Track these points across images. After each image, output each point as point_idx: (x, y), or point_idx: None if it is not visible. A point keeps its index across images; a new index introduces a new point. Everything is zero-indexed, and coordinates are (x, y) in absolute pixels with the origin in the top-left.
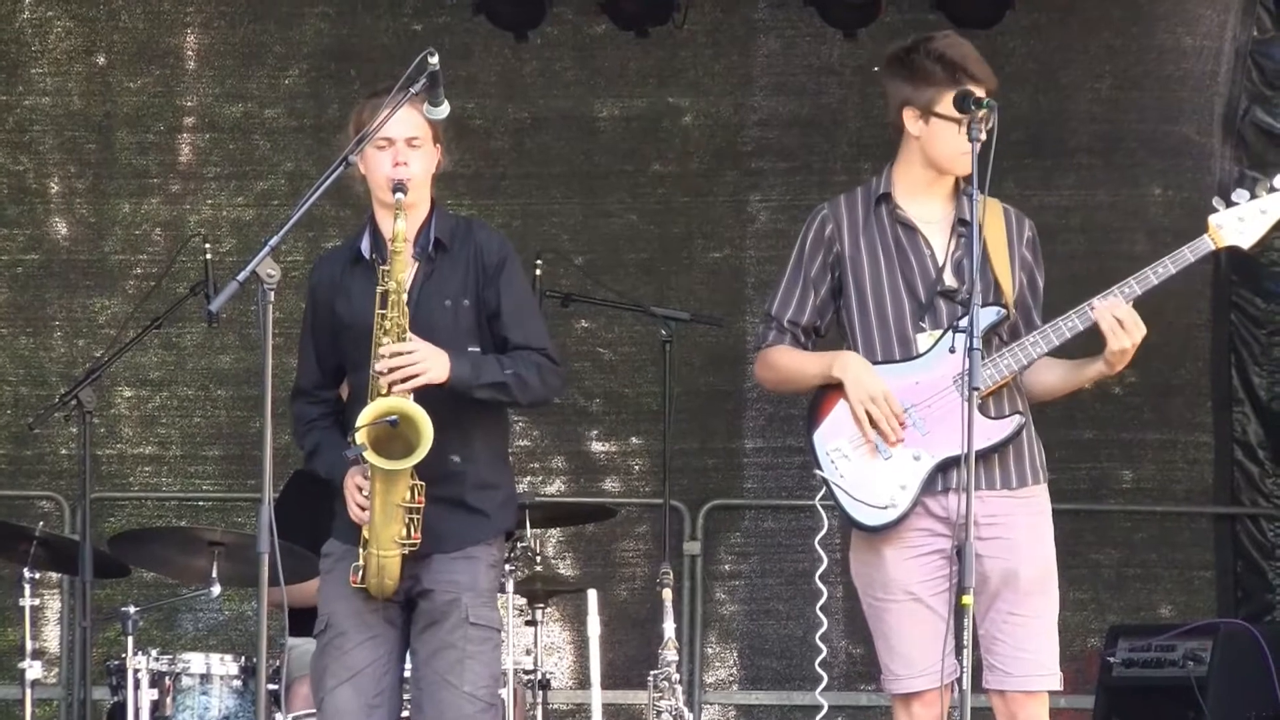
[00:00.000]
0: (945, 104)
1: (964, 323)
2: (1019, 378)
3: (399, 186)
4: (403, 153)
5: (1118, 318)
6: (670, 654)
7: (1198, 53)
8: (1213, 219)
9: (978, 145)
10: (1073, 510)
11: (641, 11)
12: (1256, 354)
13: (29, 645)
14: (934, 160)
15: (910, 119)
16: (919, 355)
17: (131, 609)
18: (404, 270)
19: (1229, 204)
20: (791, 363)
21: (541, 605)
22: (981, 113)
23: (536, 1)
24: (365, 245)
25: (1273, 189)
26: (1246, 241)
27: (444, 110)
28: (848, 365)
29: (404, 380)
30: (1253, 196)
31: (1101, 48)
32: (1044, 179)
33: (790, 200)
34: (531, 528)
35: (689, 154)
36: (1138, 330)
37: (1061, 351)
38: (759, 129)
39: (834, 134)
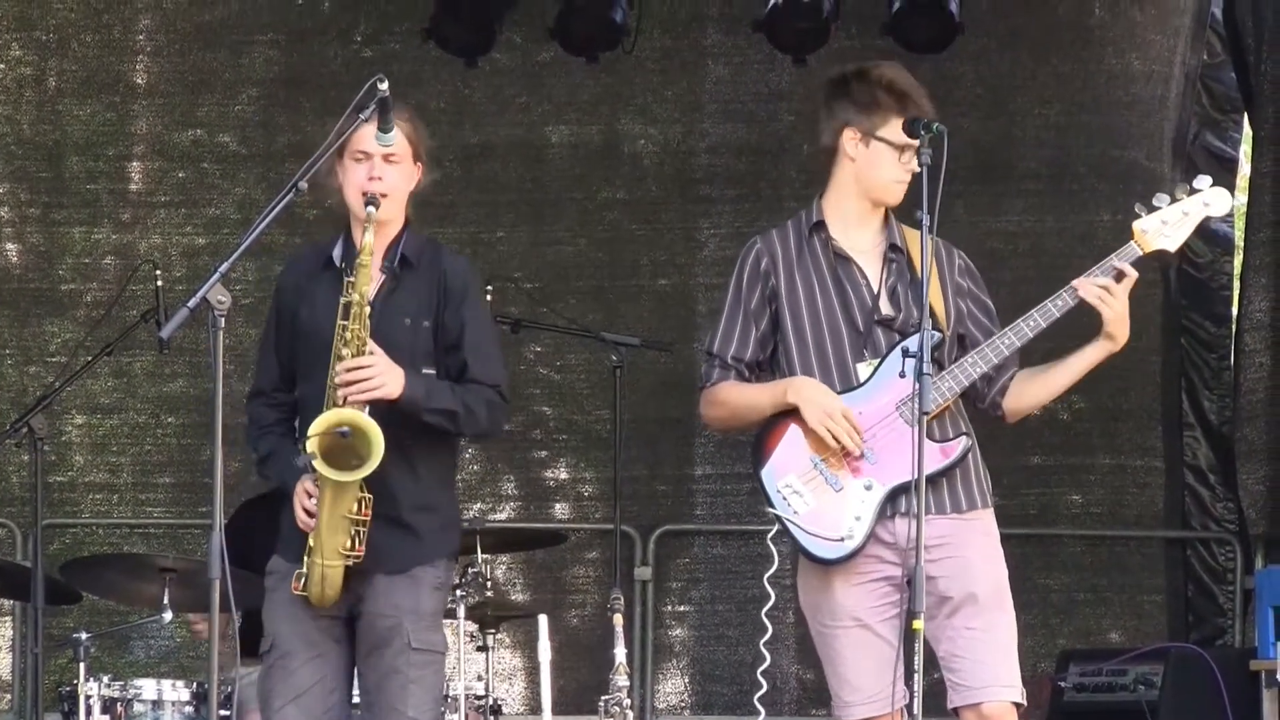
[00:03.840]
0: (889, 129)
1: (910, 345)
2: (961, 403)
3: (371, 199)
4: (379, 167)
5: (1101, 285)
6: (621, 679)
7: (1147, 77)
8: (1137, 225)
9: (924, 170)
10: (1022, 535)
11: (591, 37)
12: (1207, 378)
13: None
14: (867, 186)
15: (850, 141)
16: (860, 385)
17: (83, 635)
18: (368, 283)
19: (1150, 209)
20: (742, 397)
21: (492, 631)
22: (928, 138)
23: (486, 27)
24: (337, 253)
25: (1193, 190)
26: (1173, 244)
27: (393, 137)
28: (800, 388)
29: (360, 393)
30: (1174, 200)
31: (1050, 73)
32: (992, 204)
33: (740, 227)
34: (482, 553)
35: (638, 181)
36: (1124, 292)
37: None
38: (708, 155)
39: (783, 160)
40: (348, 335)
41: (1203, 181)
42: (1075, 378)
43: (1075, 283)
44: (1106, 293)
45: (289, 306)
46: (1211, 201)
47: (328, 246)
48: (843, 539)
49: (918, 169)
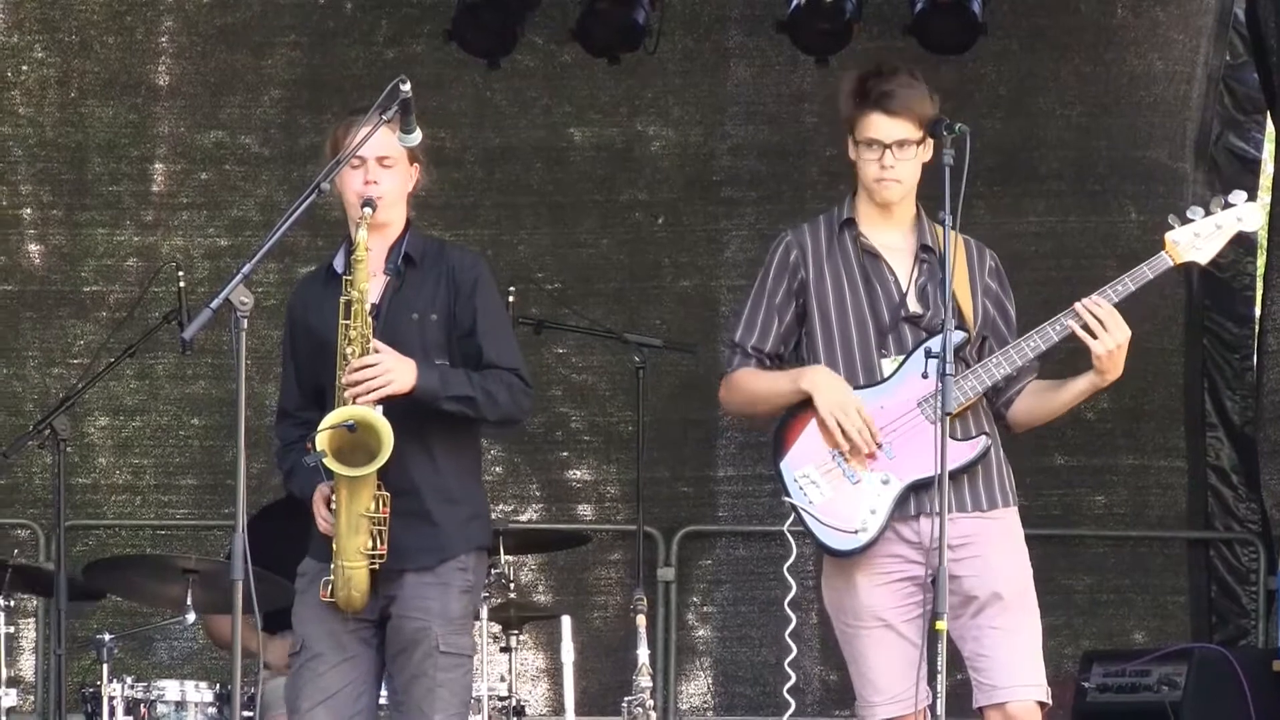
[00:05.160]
0: (859, 128)
1: (932, 346)
2: (985, 402)
3: (368, 202)
4: (373, 171)
5: (1097, 317)
6: (644, 680)
7: (1169, 78)
8: (1169, 236)
9: (946, 170)
10: (1045, 536)
11: (613, 38)
12: (1229, 378)
13: (4, 673)
14: (863, 187)
15: (849, 144)
16: (883, 380)
17: (107, 637)
18: (366, 280)
19: (1184, 221)
20: (760, 383)
21: (515, 632)
22: (950, 138)
23: (508, 29)
24: (339, 262)
25: (1227, 205)
26: (1204, 257)
27: (416, 138)
28: (816, 378)
29: (367, 393)
30: (1208, 213)
31: (1073, 73)
32: (1015, 205)
33: (762, 229)
34: (505, 555)
35: (660, 182)
36: (1120, 330)
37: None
38: (730, 157)
39: (805, 162)
40: (351, 334)
41: (1237, 196)
42: (1066, 406)
43: (1076, 305)
44: (1100, 326)
45: (300, 323)
46: (1244, 216)
47: (330, 259)
48: (856, 531)
49: (892, 164)
